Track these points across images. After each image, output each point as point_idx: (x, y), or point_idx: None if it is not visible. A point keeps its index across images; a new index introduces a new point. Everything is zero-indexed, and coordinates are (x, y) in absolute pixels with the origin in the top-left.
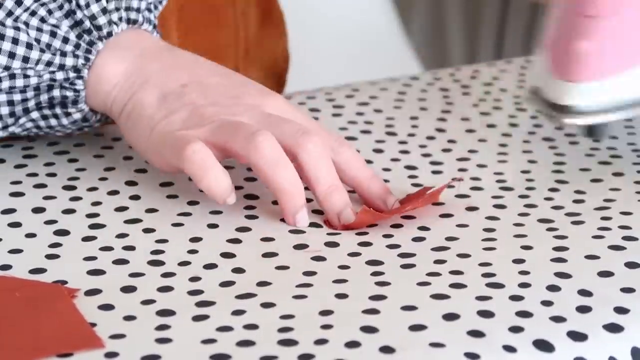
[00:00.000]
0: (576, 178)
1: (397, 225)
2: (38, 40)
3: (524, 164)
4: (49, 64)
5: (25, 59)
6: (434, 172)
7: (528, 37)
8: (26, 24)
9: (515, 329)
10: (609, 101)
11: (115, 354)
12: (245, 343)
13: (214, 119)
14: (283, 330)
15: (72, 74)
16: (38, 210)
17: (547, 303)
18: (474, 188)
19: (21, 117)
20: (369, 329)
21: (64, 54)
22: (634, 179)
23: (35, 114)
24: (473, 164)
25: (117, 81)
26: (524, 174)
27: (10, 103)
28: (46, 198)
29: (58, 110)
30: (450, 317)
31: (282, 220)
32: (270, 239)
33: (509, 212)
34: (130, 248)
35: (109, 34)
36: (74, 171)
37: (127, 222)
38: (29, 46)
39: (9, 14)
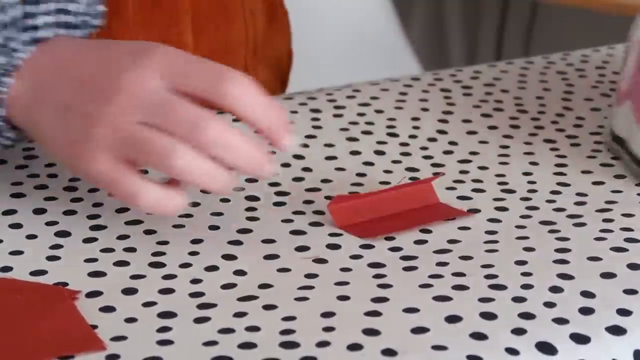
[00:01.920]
0: (578, 180)
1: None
2: None
3: (526, 166)
4: None
5: None
6: (436, 175)
7: (528, 37)
8: None
9: (518, 331)
10: None
11: (116, 356)
12: (246, 345)
13: (112, 127)
14: (285, 332)
15: None
16: (39, 211)
17: (549, 305)
18: (475, 190)
19: None
20: (370, 332)
21: None
22: (636, 181)
23: None
24: (474, 166)
25: (19, 102)
26: (526, 176)
27: None
28: (47, 199)
29: None
30: (453, 319)
31: (283, 221)
32: (272, 241)
33: (511, 214)
34: (131, 250)
35: (16, 67)
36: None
37: (128, 223)
38: None
39: None
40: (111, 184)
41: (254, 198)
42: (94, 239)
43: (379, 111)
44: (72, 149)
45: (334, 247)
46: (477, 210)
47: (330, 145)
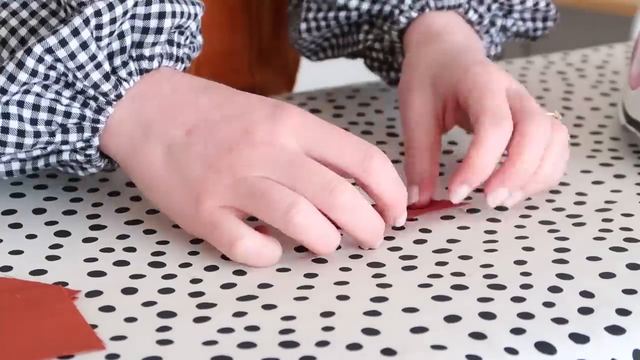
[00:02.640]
0: (577, 180)
1: (399, 228)
2: (34, 120)
3: None
4: (49, 143)
5: (19, 145)
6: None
7: None
8: (20, 103)
9: (517, 331)
10: None
11: (116, 356)
12: (246, 345)
13: (233, 176)
14: (284, 332)
15: (79, 145)
16: (39, 211)
17: (548, 304)
18: (475, 190)
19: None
20: (370, 331)
21: (66, 130)
22: (635, 181)
23: (44, 167)
24: None
25: (117, 132)
26: None
27: (21, 160)
28: (47, 199)
29: (73, 164)
30: (452, 318)
31: None
32: None
33: (510, 214)
34: (131, 249)
35: (119, 97)
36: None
37: (127, 223)
38: (20, 133)
39: None
40: (213, 227)
41: None
42: (94, 239)
43: (379, 111)
44: (179, 190)
45: None
46: (476, 210)
47: None
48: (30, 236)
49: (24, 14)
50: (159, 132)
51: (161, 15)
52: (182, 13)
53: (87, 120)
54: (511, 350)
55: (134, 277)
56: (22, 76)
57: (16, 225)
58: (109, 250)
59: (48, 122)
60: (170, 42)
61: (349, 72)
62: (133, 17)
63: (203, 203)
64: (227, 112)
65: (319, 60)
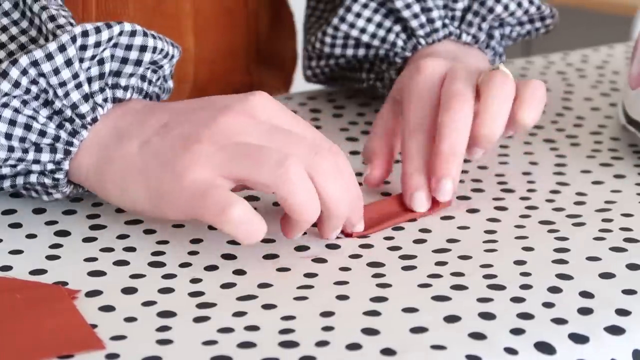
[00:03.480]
0: (577, 180)
1: (398, 227)
2: (9, 135)
3: (525, 166)
4: (20, 160)
5: None
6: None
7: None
8: None
9: (517, 331)
10: None
11: (116, 356)
12: (246, 345)
13: (215, 144)
14: (284, 331)
15: (50, 166)
16: (39, 211)
17: (548, 305)
18: (474, 190)
19: None
20: (370, 331)
21: (39, 149)
22: (635, 181)
23: (9, 188)
24: (474, 165)
25: (90, 145)
26: (525, 176)
27: None
28: None
29: (38, 189)
30: (452, 319)
31: None
32: (271, 241)
33: (510, 214)
34: (131, 249)
35: (94, 120)
36: None
37: (127, 223)
38: None
39: None
40: (201, 196)
41: (254, 198)
42: (94, 239)
43: (379, 111)
44: (160, 174)
45: (333, 246)
46: (476, 210)
47: None
48: (30, 236)
49: (3, 37)
50: (134, 132)
51: (142, 49)
52: (161, 50)
53: (60, 142)
54: (511, 351)
55: (133, 276)
56: (5, 86)
57: (16, 225)
58: (109, 250)
59: (22, 139)
60: (142, 78)
61: None
62: (115, 45)
63: (187, 176)
64: (200, 104)
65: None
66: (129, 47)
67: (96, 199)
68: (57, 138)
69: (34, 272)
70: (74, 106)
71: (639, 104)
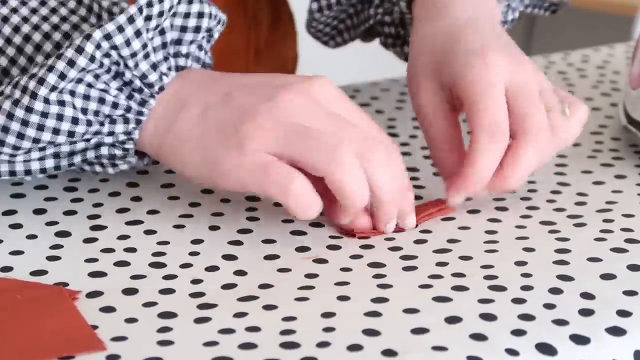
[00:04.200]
0: (578, 180)
1: (399, 228)
2: (85, 110)
3: None
4: (97, 133)
5: (71, 134)
6: (436, 174)
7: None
8: (72, 92)
9: (518, 332)
10: None
11: (116, 357)
12: (247, 345)
13: (273, 120)
14: (285, 332)
15: (122, 137)
16: (39, 211)
17: (549, 306)
18: None
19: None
20: (371, 332)
21: (113, 121)
22: (636, 181)
23: (79, 163)
24: None
25: (155, 115)
26: None
27: (56, 156)
28: (47, 199)
29: (105, 162)
30: (453, 320)
31: (284, 221)
32: (272, 241)
33: (511, 215)
34: (132, 250)
35: (161, 89)
36: (75, 172)
37: (128, 223)
38: (74, 121)
39: (53, 88)
40: (264, 169)
41: (254, 198)
42: (94, 239)
43: (379, 111)
44: (220, 142)
45: (334, 247)
46: (477, 211)
47: None
48: (31, 236)
49: (55, 19)
50: (194, 100)
51: (200, 15)
52: (216, 16)
53: (132, 113)
54: (512, 352)
55: (134, 277)
56: (82, 61)
57: (16, 226)
58: (110, 250)
59: (96, 113)
60: (199, 47)
61: (349, 72)
62: (174, 14)
63: (247, 147)
64: (263, 79)
65: (337, 45)
66: (187, 15)
67: (97, 199)
68: (128, 109)
69: (35, 273)
70: (143, 76)
71: (639, 103)
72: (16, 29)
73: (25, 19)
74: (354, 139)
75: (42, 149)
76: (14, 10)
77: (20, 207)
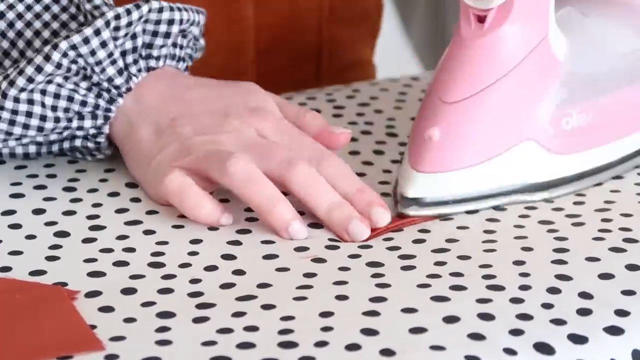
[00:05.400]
0: None
1: (398, 228)
2: (55, 107)
3: None
4: (66, 128)
5: (40, 129)
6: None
7: None
8: (43, 91)
9: (516, 332)
10: (452, 194)
11: (115, 356)
12: (245, 345)
13: (200, 149)
14: (283, 332)
15: (92, 131)
16: (38, 211)
17: (547, 306)
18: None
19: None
20: (369, 332)
21: (81, 117)
22: (635, 181)
23: (57, 151)
24: None
25: (120, 115)
26: None
27: (38, 144)
28: (46, 199)
29: (83, 151)
30: (451, 319)
31: None
32: (271, 242)
33: (509, 214)
34: (131, 250)
35: (129, 90)
36: (74, 172)
37: (127, 223)
38: (42, 118)
39: (21, 90)
40: (179, 195)
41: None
42: (93, 239)
43: (378, 111)
44: (156, 166)
45: (333, 247)
46: (475, 210)
47: None
48: (30, 236)
49: (47, 16)
50: (150, 118)
51: (170, 22)
52: (187, 20)
53: (100, 109)
54: (510, 351)
55: (133, 277)
56: (48, 68)
57: (16, 226)
58: (109, 250)
59: (66, 110)
60: (174, 45)
61: None
62: (146, 21)
63: (170, 174)
64: (210, 107)
65: None
66: (158, 22)
67: (96, 199)
68: (96, 106)
69: (34, 273)
70: (109, 80)
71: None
72: (10, 25)
73: (19, 16)
74: (270, 164)
75: (19, 139)
76: (11, 7)
77: (19, 207)
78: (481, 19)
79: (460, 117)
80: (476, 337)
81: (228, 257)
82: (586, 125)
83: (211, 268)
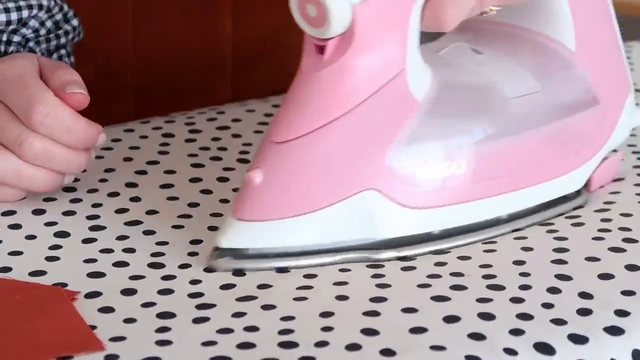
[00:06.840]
0: None
1: None
2: None
3: None
4: None
5: None
6: None
7: None
8: None
9: (516, 332)
10: (273, 246)
11: (115, 357)
12: (245, 345)
13: None
14: (283, 332)
15: None
16: (38, 212)
17: (547, 305)
18: None
19: None
20: (369, 332)
21: None
22: (634, 182)
23: None
24: None
25: None
26: None
27: None
28: (46, 200)
29: None
30: (451, 319)
31: None
32: None
33: None
34: (131, 250)
35: None
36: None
37: (127, 224)
38: None
39: None
40: None
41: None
42: (93, 240)
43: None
44: None
45: None
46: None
47: None
48: (30, 237)
49: None
50: None
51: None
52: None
53: None
54: (510, 351)
55: (133, 278)
56: None
57: (16, 226)
58: (109, 251)
59: None
60: (27, 39)
61: None
62: None
63: None
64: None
65: None
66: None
67: (96, 199)
68: None
69: (34, 274)
70: None
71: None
72: None
73: None
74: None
75: None
76: None
77: (19, 207)
78: (321, 50)
79: (286, 159)
80: (476, 337)
81: None
82: (453, 177)
83: (211, 269)
